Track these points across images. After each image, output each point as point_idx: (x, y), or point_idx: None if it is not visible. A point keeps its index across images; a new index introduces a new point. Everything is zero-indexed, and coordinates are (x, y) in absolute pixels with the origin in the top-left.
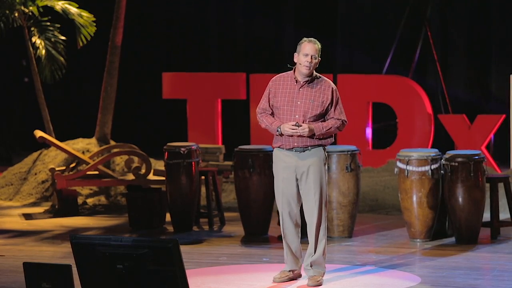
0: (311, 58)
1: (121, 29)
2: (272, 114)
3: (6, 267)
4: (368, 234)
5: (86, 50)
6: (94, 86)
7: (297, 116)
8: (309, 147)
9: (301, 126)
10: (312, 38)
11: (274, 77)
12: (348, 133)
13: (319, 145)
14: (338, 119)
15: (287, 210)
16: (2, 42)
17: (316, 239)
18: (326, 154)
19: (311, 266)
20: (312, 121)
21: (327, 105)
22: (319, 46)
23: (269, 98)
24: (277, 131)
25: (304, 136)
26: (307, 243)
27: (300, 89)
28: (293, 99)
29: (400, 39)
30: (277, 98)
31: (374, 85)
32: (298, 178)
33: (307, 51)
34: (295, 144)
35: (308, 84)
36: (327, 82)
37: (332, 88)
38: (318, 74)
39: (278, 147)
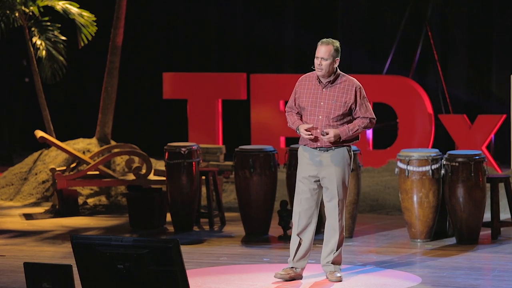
0: (320, 60)
1: (121, 29)
2: (299, 112)
3: (6, 267)
4: (369, 234)
5: (86, 50)
6: (95, 86)
7: (320, 117)
8: (333, 147)
9: (327, 134)
10: (325, 39)
11: (301, 76)
12: None
13: (343, 145)
14: (364, 117)
15: (301, 208)
16: (2, 42)
17: (337, 238)
18: (351, 153)
19: (332, 263)
20: (335, 122)
21: (350, 104)
22: (334, 46)
23: (295, 97)
24: (297, 131)
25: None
26: (321, 241)
27: (324, 90)
28: (316, 100)
29: (401, 39)
30: (302, 99)
31: (374, 85)
32: (320, 178)
33: (317, 53)
34: (318, 144)
35: (331, 84)
36: (351, 81)
37: (356, 87)
38: (342, 74)
39: (304, 145)
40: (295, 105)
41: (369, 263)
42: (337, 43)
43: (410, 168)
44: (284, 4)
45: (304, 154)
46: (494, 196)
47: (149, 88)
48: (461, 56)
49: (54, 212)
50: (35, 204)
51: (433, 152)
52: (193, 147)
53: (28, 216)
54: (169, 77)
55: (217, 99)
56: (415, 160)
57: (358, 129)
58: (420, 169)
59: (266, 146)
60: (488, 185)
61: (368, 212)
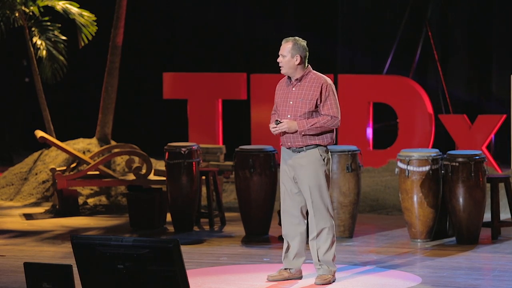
0: (281, 57)
1: (121, 29)
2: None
3: (6, 267)
4: (369, 234)
5: (86, 50)
6: (95, 86)
7: (289, 116)
8: (304, 148)
9: (280, 123)
10: (288, 38)
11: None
12: (348, 133)
13: (315, 145)
14: (325, 114)
15: (285, 207)
16: (2, 42)
17: (318, 238)
18: (326, 154)
19: (320, 265)
20: (303, 120)
21: (315, 101)
22: (293, 43)
23: (275, 99)
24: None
25: (290, 133)
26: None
27: (293, 89)
28: (286, 99)
29: (401, 39)
30: (277, 100)
31: (374, 85)
32: (296, 179)
33: (279, 51)
34: (289, 144)
35: (299, 82)
36: (318, 78)
37: (323, 83)
38: (313, 72)
39: (282, 145)
40: (276, 107)
41: (369, 263)
42: (299, 41)
43: (410, 168)
44: (284, 4)
45: (282, 154)
46: (494, 196)
47: (149, 88)
48: (461, 56)
49: (54, 212)
50: (35, 204)
51: (433, 152)
52: (193, 147)
53: (28, 216)
54: (169, 77)
55: (217, 99)
56: (415, 160)
57: (316, 124)
58: (420, 169)
59: (266, 146)
60: (488, 185)
61: (368, 212)
